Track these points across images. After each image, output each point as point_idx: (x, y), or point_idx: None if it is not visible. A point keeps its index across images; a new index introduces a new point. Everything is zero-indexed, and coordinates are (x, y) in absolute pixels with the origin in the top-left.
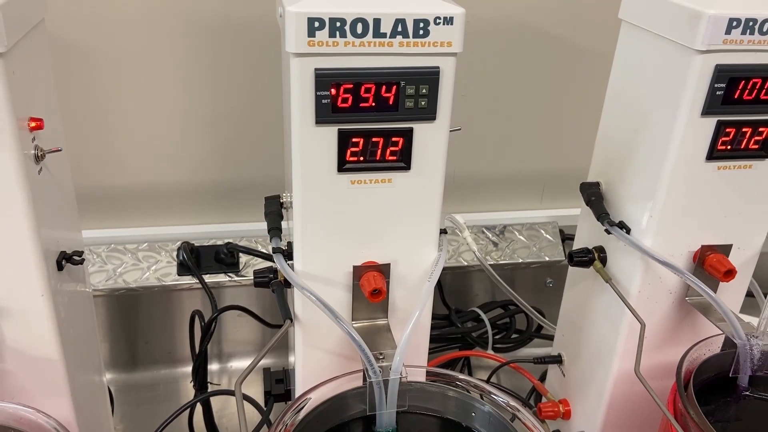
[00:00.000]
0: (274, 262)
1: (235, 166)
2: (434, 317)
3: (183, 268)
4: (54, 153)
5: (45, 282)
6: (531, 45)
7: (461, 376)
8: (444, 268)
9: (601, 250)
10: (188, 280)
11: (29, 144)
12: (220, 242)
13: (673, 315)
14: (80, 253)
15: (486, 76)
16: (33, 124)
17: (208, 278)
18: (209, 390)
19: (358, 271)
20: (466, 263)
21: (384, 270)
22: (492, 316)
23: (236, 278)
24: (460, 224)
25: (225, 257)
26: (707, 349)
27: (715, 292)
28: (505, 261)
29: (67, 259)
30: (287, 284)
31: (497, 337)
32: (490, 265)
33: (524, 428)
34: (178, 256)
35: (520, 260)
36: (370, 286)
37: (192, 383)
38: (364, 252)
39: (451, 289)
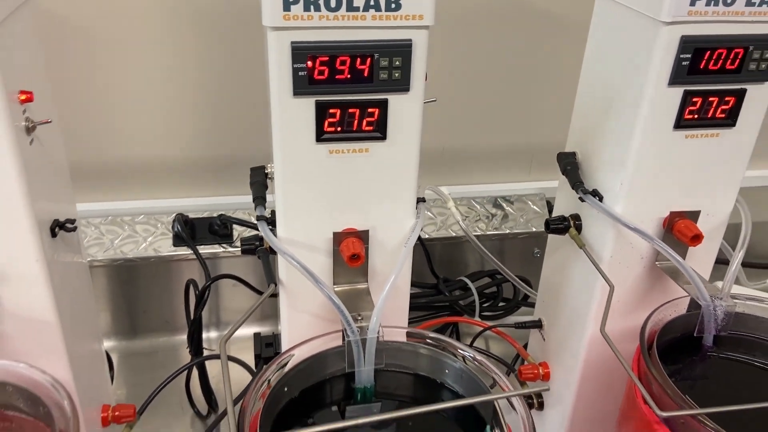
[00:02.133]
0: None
1: (227, 140)
2: (423, 286)
3: (178, 240)
4: (45, 125)
5: (39, 248)
6: (518, 19)
7: (431, 334)
8: (433, 239)
9: (576, 218)
10: (183, 252)
11: (20, 116)
12: (214, 214)
13: (644, 279)
14: (73, 221)
15: (474, 52)
16: (23, 97)
17: (203, 249)
18: (204, 355)
19: (338, 237)
20: (454, 234)
21: (363, 236)
22: (479, 285)
23: (230, 249)
24: (444, 195)
25: (219, 228)
26: (673, 311)
27: (684, 258)
28: (492, 232)
29: (60, 227)
30: (272, 251)
31: (485, 305)
32: (477, 236)
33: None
34: (173, 228)
35: (508, 231)
36: (349, 252)
37: (188, 349)
38: (343, 219)
39: (441, 259)
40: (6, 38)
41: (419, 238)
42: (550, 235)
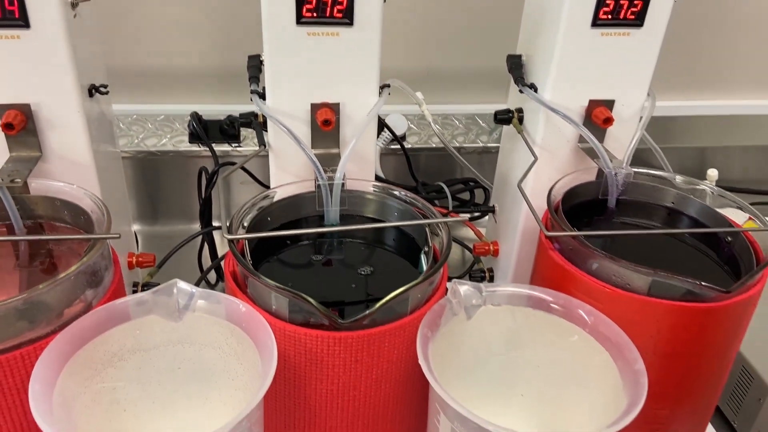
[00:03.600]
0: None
1: (237, 54)
2: (403, 188)
3: (193, 137)
4: (85, 3)
5: (80, 103)
6: None
7: (381, 184)
8: (416, 149)
9: (519, 110)
10: (198, 149)
11: None
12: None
13: (569, 159)
14: (105, 86)
15: None
16: None
17: (215, 147)
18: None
19: (315, 108)
20: (434, 146)
21: (334, 108)
22: (454, 189)
23: (239, 148)
24: (409, 90)
25: (227, 128)
26: (584, 179)
27: (603, 140)
28: (469, 144)
29: (96, 90)
30: (264, 124)
31: (458, 207)
32: (455, 147)
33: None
34: (189, 126)
35: (481, 144)
36: (322, 118)
37: (200, 225)
38: (318, 93)
39: (424, 168)
40: None
41: (403, 147)
42: (503, 131)
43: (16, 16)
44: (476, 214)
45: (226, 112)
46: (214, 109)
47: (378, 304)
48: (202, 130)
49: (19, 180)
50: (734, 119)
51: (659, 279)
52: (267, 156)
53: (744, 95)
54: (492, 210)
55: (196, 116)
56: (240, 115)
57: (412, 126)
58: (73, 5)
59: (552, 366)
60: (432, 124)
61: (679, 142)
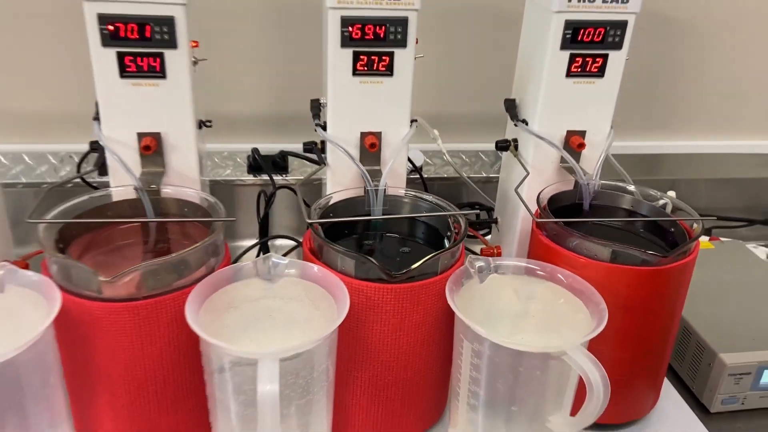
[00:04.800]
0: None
1: (288, 102)
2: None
3: (252, 168)
4: (201, 61)
5: (194, 132)
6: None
7: (413, 192)
8: (431, 178)
9: (515, 140)
10: (253, 178)
11: (191, 54)
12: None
13: (553, 174)
14: (210, 121)
15: (462, 40)
16: (193, 44)
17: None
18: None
19: (363, 135)
20: (446, 176)
21: (377, 136)
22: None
23: (287, 177)
24: (427, 126)
25: (279, 162)
26: (564, 188)
27: (579, 161)
28: (474, 175)
29: (203, 123)
30: (323, 148)
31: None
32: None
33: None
34: (249, 159)
35: (484, 175)
36: (369, 142)
37: (258, 236)
38: (366, 124)
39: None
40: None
41: (421, 176)
42: (503, 157)
43: (158, 70)
44: (483, 231)
45: (277, 149)
46: (268, 147)
47: (417, 263)
48: (259, 162)
49: (155, 186)
50: (700, 157)
51: (617, 250)
52: (299, 185)
53: (708, 137)
54: (495, 221)
55: (256, 151)
56: (304, 143)
57: (427, 160)
58: (194, 63)
59: (543, 312)
60: (445, 154)
61: (654, 175)
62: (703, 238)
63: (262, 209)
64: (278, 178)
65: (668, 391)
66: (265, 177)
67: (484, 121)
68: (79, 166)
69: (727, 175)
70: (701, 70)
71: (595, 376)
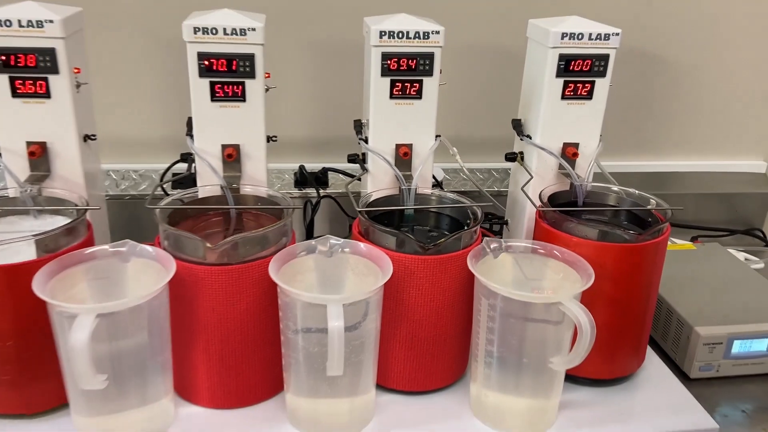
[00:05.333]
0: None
1: (328, 126)
2: None
3: (298, 183)
4: (84, 85)
5: (264, 145)
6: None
7: (438, 192)
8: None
9: (521, 152)
10: (299, 191)
11: (264, 83)
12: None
13: (552, 178)
14: (275, 137)
15: (476, 72)
16: (267, 75)
17: (310, 190)
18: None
19: (398, 146)
20: (462, 189)
21: (409, 147)
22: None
23: (327, 190)
24: (447, 143)
25: (321, 177)
26: (562, 188)
27: (574, 167)
28: (486, 189)
29: (270, 138)
30: (364, 158)
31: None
32: (476, 191)
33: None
34: (295, 175)
35: (495, 189)
36: (402, 152)
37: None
38: (400, 137)
39: None
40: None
41: (441, 189)
42: (512, 167)
43: (240, 95)
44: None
45: (319, 167)
46: (311, 166)
47: (445, 238)
48: (305, 177)
49: (235, 185)
50: (690, 174)
51: (603, 230)
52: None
53: (696, 158)
54: (506, 222)
55: (302, 168)
56: (348, 155)
57: (446, 176)
58: (266, 90)
59: (544, 280)
60: (464, 168)
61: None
62: (687, 242)
63: (308, 216)
64: (321, 192)
65: (653, 359)
66: (309, 190)
67: (496, 142)
68: (163, 175)
69: (712, 190)
70: (687, 101)
71: (584, 319)
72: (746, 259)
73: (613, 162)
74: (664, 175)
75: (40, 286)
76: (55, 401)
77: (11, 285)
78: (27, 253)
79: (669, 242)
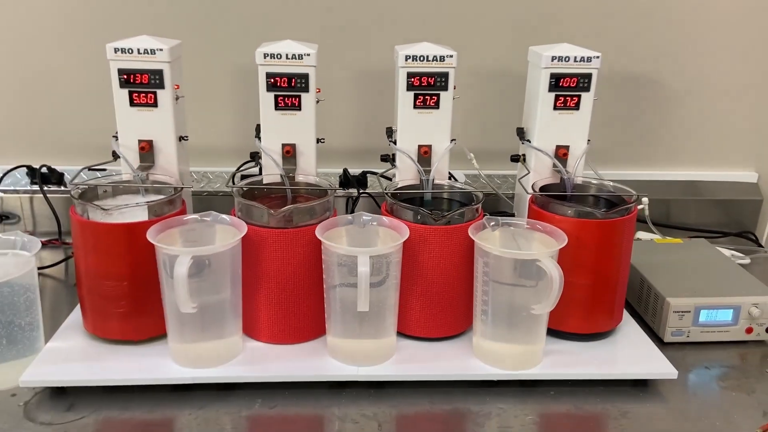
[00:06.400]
0: (383, 176)
1: (369, 136)
2: None
3: (342, 184)
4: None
5: (314, 145)
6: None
7: (450, 182)
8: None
9: (523, 154)
10: (343, 191)
11: (315, 96)
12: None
13: (547, 173)
14: (323, 139)
15: (485, 89)
16: (317, 90)
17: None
18: None
19: (420, 147)
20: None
21: (429, 147)
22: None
23: (367, 191)
24: (465, 150)
25: (361, 179)
26: (553, 181)
27: (566, 166)
28: (503, 192)
29: (318, 140)
30: (393, 157)
31: None
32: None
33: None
34: (340, 177)
35: (503, 192)
36: (422, 151)
37: None
38: (421, 139)
39: None
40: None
41: None
42: (517, 167)
43: (297, 105)
44: None
45: (360, 170)
46: (354, 170)
47: (451, 212)
48: (348, 180)
49: (292, 175)
50: (689, 183)
51: (578, 209)
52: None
53: (696, 168)
54: (513, 215)
55: (346, 170)
56: (381, 155)
57: (467, 180)
58: (317, 102)
59: (531, 247)
60: (480, 172)
61: (652, 196)
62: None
63: (349, 210)
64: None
65: (631, 324)
66: (351, 189)
67: (511, 153)
68: (238, 168)
69: (708, 197)
70: (688, 119)
71: (554, 271)
72: (732, 256)
73: (621, 171)
74: (671, 183)
75: (152, 236)
76: (156, 331)
77: (129, 239)
78: (140, 216)
79: (659, 238)
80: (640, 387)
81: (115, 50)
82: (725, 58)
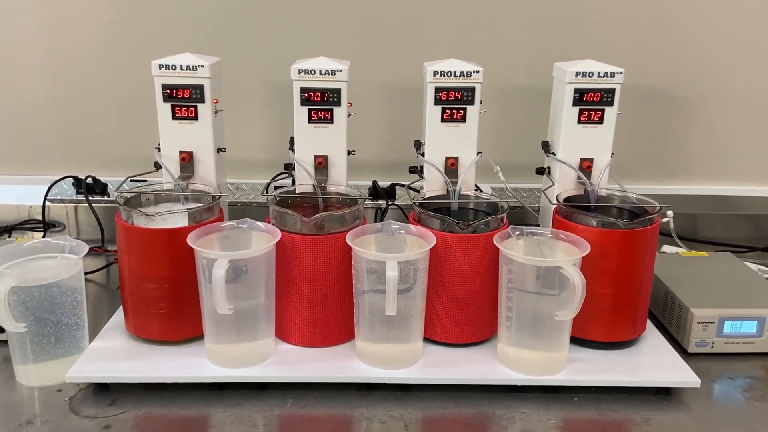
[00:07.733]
0: (411, 188)
1: (398, 150)
2: None
3: (371, 195)
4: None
5: (345, 156)
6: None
7: (474, 192)
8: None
9: (549, 167)
10: (371, 203)
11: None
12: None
13: (571, 185)
14: (353, 151)
15: (512, 104)
16: (349, 104)
17: (381, 201)
18: None
19: (447, 159)
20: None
21: (455, 159)
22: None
23: (395, 203)
24: (491, 161)
25: (390, 191)
26: (578, 193)
27: (590, 178)
28: (529, 205)
29: (350, 152)
30: (421, 169)
31: None
32: (512, 205)
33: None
34: (369, 189)
35: (528, 204)
36: (449, 163)
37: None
38: (449, 152)
39: None
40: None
41: None
42: (542, 180)
43: (329, 118)
44: None
45: (389, 183)
46: (382, 182)
47: (476, 221)
48: (377, 192)
49: (324, 185)
50: (717, 198)
51: (601, 219)
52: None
53: (725, 183)
54: (538, 225)
55: (375, 183)
56: (409, 167)
57: (494, 193)
58: (348, 115)
59: (554, 256)
60: (506, 185)
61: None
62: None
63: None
64: (390, 203)
65: (655, 334)
66: (380, 201)
67: (529, 167)
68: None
69: (738, 211)
70: (712, 131)
71: (577, 278)
72: (759, 270)
73: (647, 185)
74: (698, 197)
75: (192, 241)
76: (193, 332)
77: (170, 243)
78: (181, 222)
79: (684, 251)
80: (663, 395)
81: (160, 66)
82: (750, 70)
